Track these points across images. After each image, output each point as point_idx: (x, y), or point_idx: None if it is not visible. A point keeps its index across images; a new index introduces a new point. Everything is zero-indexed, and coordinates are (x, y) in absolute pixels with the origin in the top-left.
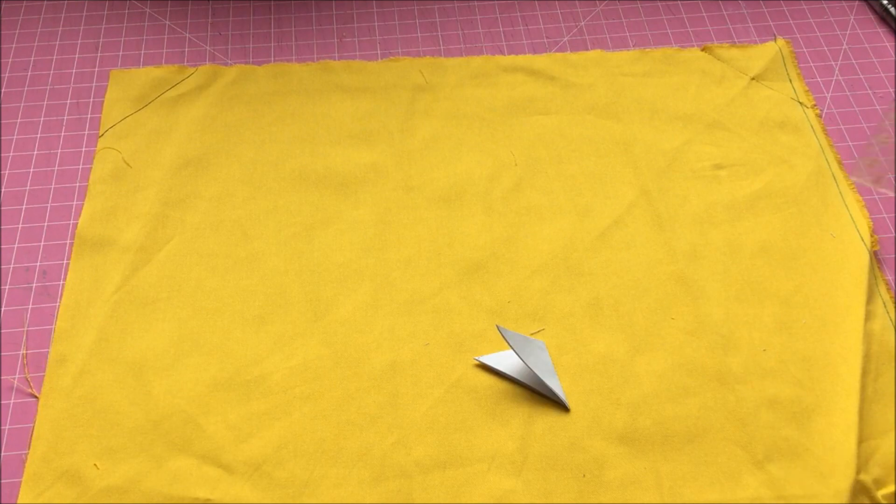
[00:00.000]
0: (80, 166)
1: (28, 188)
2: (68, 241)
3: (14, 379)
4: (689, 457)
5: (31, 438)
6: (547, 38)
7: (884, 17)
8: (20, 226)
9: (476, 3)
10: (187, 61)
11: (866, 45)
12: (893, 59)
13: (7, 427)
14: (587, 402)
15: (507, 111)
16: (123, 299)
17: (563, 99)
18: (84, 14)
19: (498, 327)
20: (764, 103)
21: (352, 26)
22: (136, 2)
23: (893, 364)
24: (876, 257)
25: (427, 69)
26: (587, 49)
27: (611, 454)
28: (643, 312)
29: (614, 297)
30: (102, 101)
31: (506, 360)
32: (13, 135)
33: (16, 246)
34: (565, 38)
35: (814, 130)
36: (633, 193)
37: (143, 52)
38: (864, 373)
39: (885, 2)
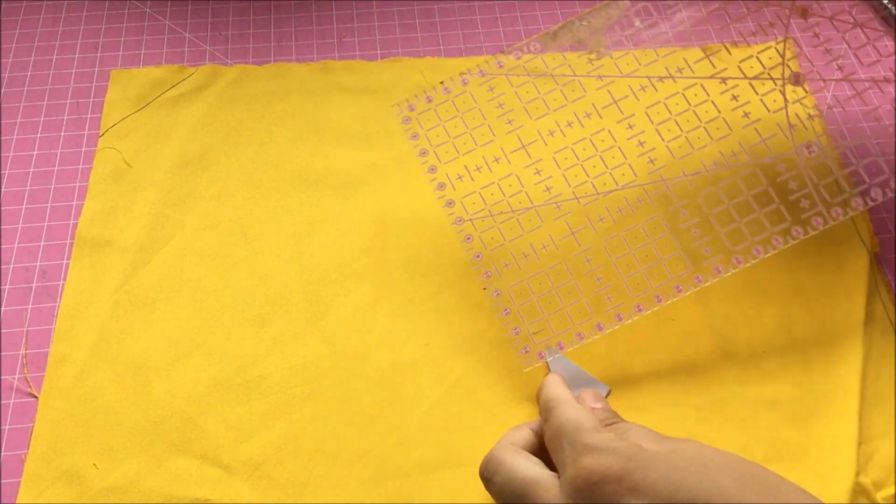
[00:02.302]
0: (80, 166)
1: (28, 188)
2: (68, 241)
3: (14, 379)
4: None
5: (30, 438)
6: None
7: (884, 18)
8: (20, 226)
9: (476, 3)
10: (187, 61)
11: (867, 46)
12: (893, 58)
13: (7, 427)
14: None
15: (507, 111)
16: (123, 299)
17: (563, 99)
18: (84, 14)
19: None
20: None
21: (352, 26)
22: (136, 2)
23: (893, 366)
24: (876, 259)
25: (427, 69)
26: (587, 49)
27: None
28: (643, 313)
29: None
30: (102, 101)
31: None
32: (13, 135)
33: (16, 246)
34: None
35: (814, 130)
36: (640, 194)
37: (143, 52)
38: (864, 375)
39: (885, 1)
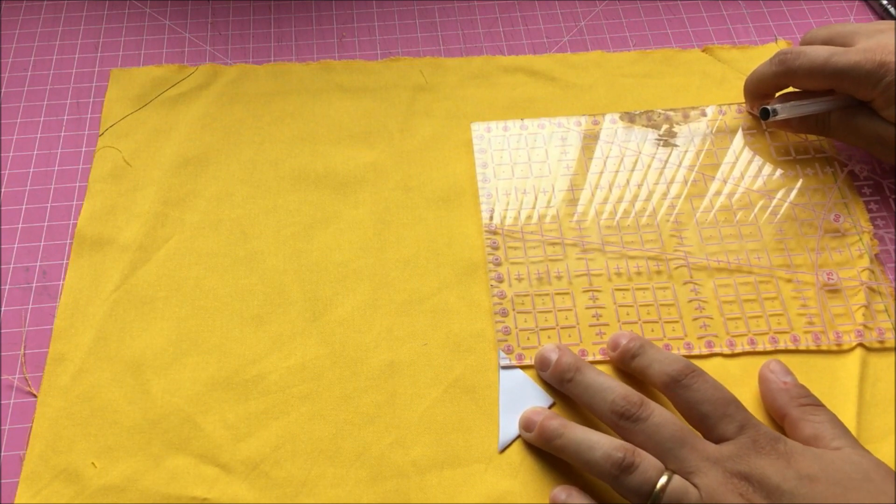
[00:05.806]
0: (80, 166)
1: (28, 188)
2: (68, 241)
3: (14, 379)
4: None
5: (28, 437)
6: (547, 38)
7: (883, 18)
8: (20, 226)
9: (476, 3)
10: (187, 61)
11: None
12: (893, 59)
13: (7, 427)
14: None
15: (508, 111)
16: (122, 298)
17: (563, 100)
18: (84, 14)
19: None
20: None
21: (352, 26)
22: (136, 2)
23: (892, 368)
24: (877, 259)
25: (427, 69)
26: (587, 49)
27: None
28: (641, 315)
29: (610, 298)
30: (102, 101)
31: None
32: (13, 135)
33: (16, 246)
34: (565, 39)
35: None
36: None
37: (143, 52)
38: (862, 378)
39: (884, 2)
